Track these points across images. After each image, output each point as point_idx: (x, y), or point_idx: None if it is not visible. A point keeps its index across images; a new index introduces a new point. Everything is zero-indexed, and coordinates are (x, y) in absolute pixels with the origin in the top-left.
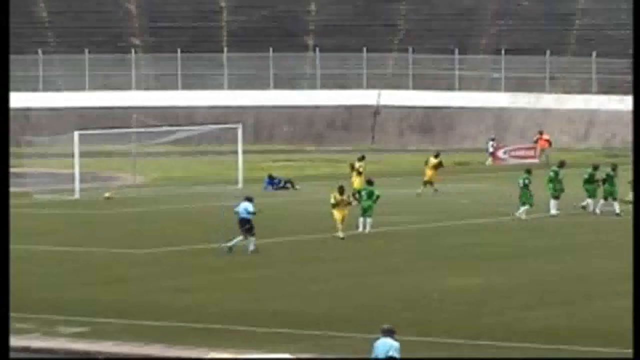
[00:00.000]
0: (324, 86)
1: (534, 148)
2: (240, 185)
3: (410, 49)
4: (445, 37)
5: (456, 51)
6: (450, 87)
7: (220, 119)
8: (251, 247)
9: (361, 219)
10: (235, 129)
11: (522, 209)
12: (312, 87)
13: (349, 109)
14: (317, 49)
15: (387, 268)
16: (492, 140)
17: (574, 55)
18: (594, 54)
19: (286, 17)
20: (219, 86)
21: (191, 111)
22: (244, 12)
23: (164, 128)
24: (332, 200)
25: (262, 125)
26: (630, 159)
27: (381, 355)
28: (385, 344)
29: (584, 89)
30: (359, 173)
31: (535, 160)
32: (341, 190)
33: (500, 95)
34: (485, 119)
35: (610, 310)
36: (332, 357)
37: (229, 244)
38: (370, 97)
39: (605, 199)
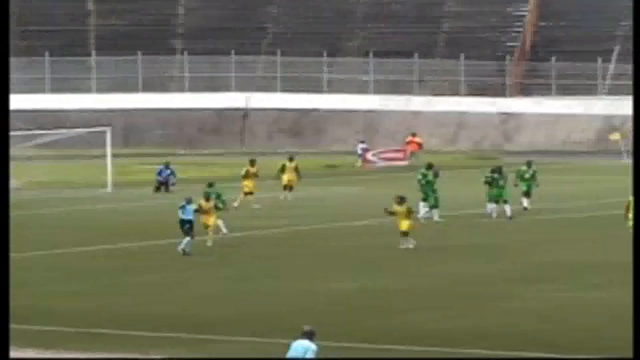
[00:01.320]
0: (194, 89)
1: (403, 150)
2: (109, 189)
3: (279, 52)
4: (314, 40)
5: (325, 54)
6: (319, 90)
7: (90, 123)
8: (186, 247)
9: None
10: (104, 132)
11: (434, 211)
12: (182, 90)
13: (219, 112)
14: (186, 52)
15: (269, 272)
16: (362, 142)
17: (443, 57)
18: (463, 56)
19: (155, 21)
20: (88, 89)
21: (61, 115)
22: (112, 16)
23: (33, 132)
24: (195, 207)
25: (132, 129)
26: (501, 161)
27: (298, 356)
28: (303, 346)
29: (454, 92)
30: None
31: (405, 163)
32: (206, 197)
33: (370, 97)
34: (355, 122)
35: (499, 312)
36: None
37: (180, 247)
38: (240, 101)
39: (496, 202)
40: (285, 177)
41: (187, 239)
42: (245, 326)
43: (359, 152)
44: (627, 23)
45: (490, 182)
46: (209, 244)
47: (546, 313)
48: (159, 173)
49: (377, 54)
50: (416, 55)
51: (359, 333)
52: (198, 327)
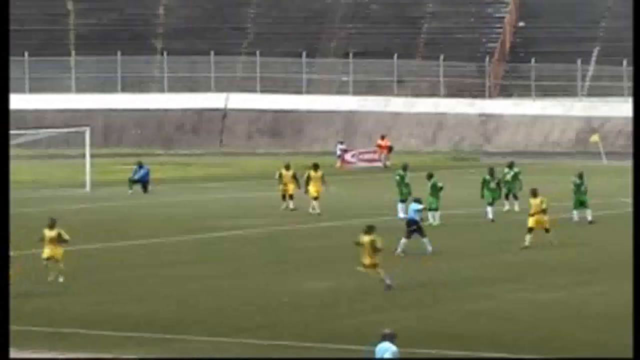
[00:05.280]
0: (173, 89)
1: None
2: (88, 188)
3: (259, 53)
4: (294, 41)
5: (304, 54)
6: (299, 91)
7: (69, 122)
8: None
9: None
10: (83, 132)
11: (436, 214)
12: (161, 90)
13: (198, 112)
14: (166, 53)
15: (237, 271)
16: (341, 143)
17: (423, 58)
18: (442, 57)
19: (134, 21)
20: (67, 89)
21: (40, 114)
22: (92, 15)
23: (12, 131)
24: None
25: (111, 129)
26: (479, 162)
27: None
28: (384, 347)
29: (433, 93)
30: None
31: (380, 164)
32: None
33: (349, 98)
34: (334, 122)
35: (463, 314)
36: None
37: None
38: (219, 101)
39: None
40: (312, 189)
41: None
42: (207, 325)
43: (338, 152)
44: (607, 24)
45: (483, 184)
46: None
47: (508, 314)
48: (133, 173)
49: (356, 55)
50: (395, 56)
51: (320, 333)
52: (161, 327)
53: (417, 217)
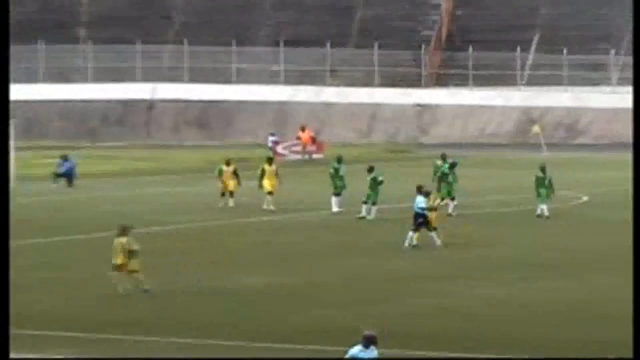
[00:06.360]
0: (98, 79)
1: (318, 144)
2: (12, 183)
3: (186, 41)
4: (223, 29)
5: (234, 43)
6: (228, 81)
7: None
8: None
9: None
10: None
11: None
12: (85, 80)
13: (124, 103)
14: (90, 41)
15: (171, 268)
16: (272, 135)
17: (356, 47)
18: (376, 45)
19: (57, 8)
20: None
21: None
22: (13, 3)
23: None
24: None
25: (33, 121)
26: (415, 154)
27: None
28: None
29: (367, 82)
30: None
31: (320, 156)
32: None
33: (280, 88)
34: (265, 113)
35: (421, 309)
36: None
37: None
38: (145, 91)
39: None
40: (267, 183)
41: None
42: (143, 326)
43: (270, 145)
44: (547, 12)
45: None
46: None
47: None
48: (57, 166)
49: (287, 43)
50: (328, 44)
51: (258, 331)
52: (96, 326)
53: (424, 211)
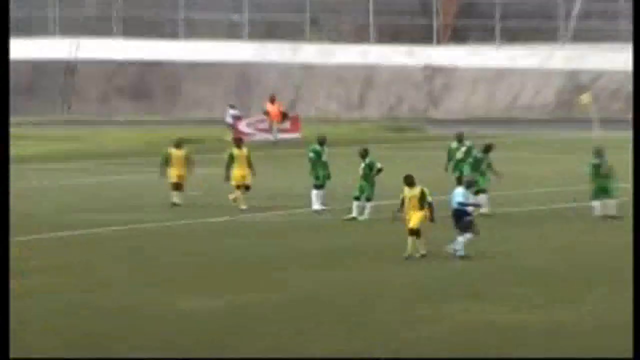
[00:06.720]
0: None
1: (292, 120)
2: None
3: None
4: None
5: None
6: (173, 35)
7: None
8: None
9: None
10: None
11: (367, 205)
12: None
13: (36, 64)
14: None
15: (96, 283)
16: (233, 108)
17: None
18: None
19: None
20: None
21: None
22: None
23: None
24: None
25: None
26: (423, 133)
27: None
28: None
29: (359, 37)
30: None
31: (296, 135)
32: None
33: (243, 45)
34: (223, 79)
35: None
36: None
37: None
38: (63, 49)
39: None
40: (238, 173)
41: None
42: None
43: (229, 121)
44: None
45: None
46: None
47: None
48: None
49: None
50: None
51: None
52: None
53: (465, 207)
